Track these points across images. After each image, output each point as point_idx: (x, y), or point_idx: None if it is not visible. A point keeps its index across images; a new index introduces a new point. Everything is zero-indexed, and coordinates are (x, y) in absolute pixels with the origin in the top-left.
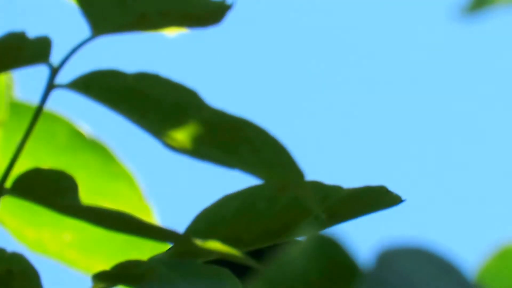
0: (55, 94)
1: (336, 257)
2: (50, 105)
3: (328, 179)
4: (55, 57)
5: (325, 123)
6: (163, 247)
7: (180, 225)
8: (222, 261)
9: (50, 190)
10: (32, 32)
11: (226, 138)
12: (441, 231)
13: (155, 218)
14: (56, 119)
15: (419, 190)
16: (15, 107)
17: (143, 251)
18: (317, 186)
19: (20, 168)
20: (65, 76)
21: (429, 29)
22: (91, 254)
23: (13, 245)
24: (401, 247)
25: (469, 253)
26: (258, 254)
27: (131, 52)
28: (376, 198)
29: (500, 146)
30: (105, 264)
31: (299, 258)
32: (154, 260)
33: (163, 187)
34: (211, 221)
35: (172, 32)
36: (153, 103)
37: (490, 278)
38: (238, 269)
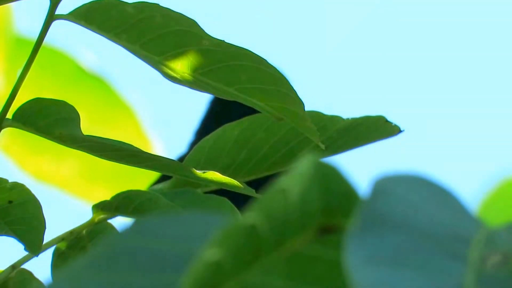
0: (56, 26)
1: (335, 185)
2: (52, 38)
3: (327, 109)
4: None
5: (326, 52)
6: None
7: (181, 156)
8: (221, 190)
9: (51, 121)
10: None
11: (225, 67)
12: (441, 163)
13: (154, 148)
14: (57, 52)
15: (419, 121)
16: (17, 41)
17: (144, 181)
18: (316, 116)
19: (23, 100)
20: (65, 7)
21: None
22: (92, 183)
23: (15, 176)
24: (397, 175)
25: (469, 186)
26: (257, 184)
27: None
28: (375, 128)
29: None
30: (106, 194)
31: (296, 186)
32: (154, 190)
33: (166, 117)
34: (210, 151)
35: None
36: (152, 33)
37: (489, 211)
38: (237, 198)
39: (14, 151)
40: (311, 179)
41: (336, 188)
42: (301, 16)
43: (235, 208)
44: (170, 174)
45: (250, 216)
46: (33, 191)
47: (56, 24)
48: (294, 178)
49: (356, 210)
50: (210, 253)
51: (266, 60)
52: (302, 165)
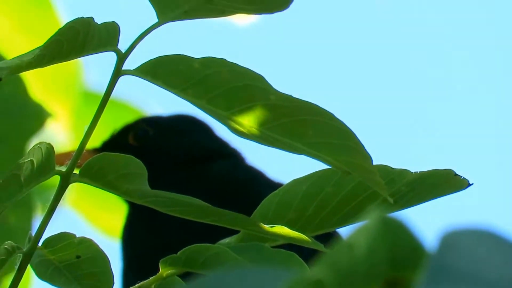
0: (123, 80)
1: (402, 240)
2: (119, 92)
3: (395, 163)
4: (122, 43)
5: (391, 108)
6: None
7: None
8: (289, 245)
9: (118, 175)
10: (100, 19)
11: (292, 122)
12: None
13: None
14: (124, 107)
15: (487, 175)
16: (85, 95)
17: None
18: (384, 170)
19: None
20: (132, 63)
21: None
22: None
23: (84, 231)
24: (464, 229)
25: None
26: (325, 238)
27: (197, 38)
28: (443, 182)
29: None
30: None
31: (364, 241)
32: (222, 245)
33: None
34: (278, 205)
35: (239, 20)
36: (219, 88)
37: None
38: (305, 253)
39: (82, 206)
40: (378, 234)
41: (403, 242)
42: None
43: (303, 263)
44: (238, 229)
45: (317, 271)
46: (101, 246)
47: (124, 78)
48: (361, 233)
49: (423, 264)
50: None
51: (332, 114)
52: (370, 220)
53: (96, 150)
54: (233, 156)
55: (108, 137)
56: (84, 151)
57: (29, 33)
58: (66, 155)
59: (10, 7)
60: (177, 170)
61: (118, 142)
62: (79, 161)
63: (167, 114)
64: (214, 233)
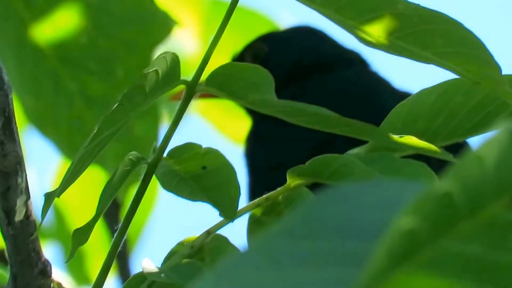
0: None
1: None
2: (249, 1)
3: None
4: None
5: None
6: None
7: None
8: (418, 155)
9: (244, 85)
10: None
11: (421, 31)
12: None
13: None
14: (253, 14)
15: None
16: (213, 2)
17: None
18: None
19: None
20: None
21: None
22: None
23: (213, 140)
24: None
25: None
26: (454, 149)
27: None
28: None
29: None
30: None
31: (493, 153)
32: (350, 155)
33: None
34: (407, 116)
35: None
36: None
37: None
38: (435, 163)
39: (210, 113)
40: (508, 146)
41: None
42: None
43: (433, 174)
44: (366, 139)
45: (446, 183)
46: (228, 156)
47: None
48: (490, 145)
49: None
50: (405, 221)
51: (462, 24)
52: (499, 132)
53: None
54: (357, 63)
55: (229, 61)
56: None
57: None
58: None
59: None
60: (296, 80)
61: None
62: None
63: (285, 28)
64: (340, 144)
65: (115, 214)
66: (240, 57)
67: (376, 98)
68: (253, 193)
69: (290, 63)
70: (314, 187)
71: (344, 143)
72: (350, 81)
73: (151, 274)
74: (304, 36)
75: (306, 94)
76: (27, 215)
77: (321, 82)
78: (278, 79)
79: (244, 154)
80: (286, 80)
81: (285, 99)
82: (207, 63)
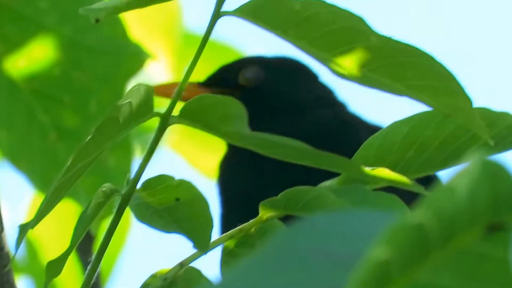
0: (222, 22)
1: (503, 183)
2: (218, 33)
3: (496, 106)
4: None
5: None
6: None
7: None
8: (391, 188)
9: (218, 117)
10: None
11: (393, 64)
12: None
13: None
14: (225, 48)
15: None
16: (185, 37)
17: None
18: (485, 113)
19: None
20: (232, 4)
21: None
22: None
23: (185, 173)
24: None
25: None
26: (425, 182)
27: None
28: None
29: None
30: None
31: (465, 184)
32: (323, 187)
33: None
34: (379, 148)
35: None
36: (320, 30)
37: None
38: (406, 196)
39: (182, 147)
40: (479, 177)
41: (505, 185)
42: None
43: (405, 206)
44: (338, 171)
45: (418, 214)
46: (201, 188)
47: (224, 20)
48: (462, 176)
49: None
50: (378, 252)
51: (433, 57)
52: (471, 163)
53: (201, 84)
54: (337, 105)
55: (216, 71)
56: (188, 83)
57: None
58: (171, 86)
59: None
60: (281, 116)
61: (228, 79)
62: (183, 93)
63: (276, 55)
64: (314, 176)
65: (88, 246)
66: (230, 72)
67: (353, 137)
68: (226, 225)
69: (284, 97)
70: (286, 219)
71: (319, 175)
72: (331, 119)
73: None
74: (297, 70)
75: (289, 129)
76: (1, 248)
77: (304, 118)
78: (267, 111)
79: (218, 183)
80: (276, 112)
81: (268, 131)
82: (180, 95)
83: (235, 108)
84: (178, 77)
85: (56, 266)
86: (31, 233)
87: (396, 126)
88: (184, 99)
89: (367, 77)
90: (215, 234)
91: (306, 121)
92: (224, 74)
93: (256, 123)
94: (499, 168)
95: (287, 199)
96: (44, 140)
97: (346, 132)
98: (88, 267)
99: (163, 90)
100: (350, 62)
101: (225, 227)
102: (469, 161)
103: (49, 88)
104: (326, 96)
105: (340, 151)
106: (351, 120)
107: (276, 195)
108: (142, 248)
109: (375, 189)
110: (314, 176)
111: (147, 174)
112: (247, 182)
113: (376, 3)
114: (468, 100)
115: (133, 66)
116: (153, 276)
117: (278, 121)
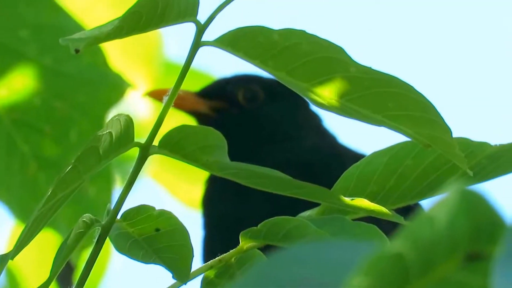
0: (202, 51)
1: (482, 213)
2: (199, 63)
3: (475, 136)
4: (202, 14)
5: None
6: None
7: None
8: (369, 219)
9: (198, 147)
10: None
11: (372, 94)
12: None
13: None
14: (204, 77)
15: None
16: (166, 66)
17: None
18: (464, 143)
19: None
20: (211, 34)
21: None
22: None
23: (166, 203)
24: None
25: None
26: (405, 211)
27: (276, 10)
28: None
29: None
30: None
31: (444, 214)
32: (302, 218)
33: None
34: (359, 178)
35: None
36: (299, 60)
37: None
38: (386, 225)
39: (162, 177)
40: (458, 207)
41: (483, 216)
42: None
43: (384, 236)
44: (318, 202)
45: (397, 244)
46: (182, 218)
47: (204, 50)
48: (441, 206)
49: (502, 238)
50: (357, 281)
51: (413, 87)
52: (450, 193)
53: (197, 94)
54: (327, 135)
55: (213, 83)
56: (186, 92)
57: (109, 4)
58: (163, 91)
59: None
60: (275, 140)
61: (225, 93)
62: (180, 102)
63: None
64: (295, 205)
65: (68, 276)
66: (230, 89)
67: (336, 166)
68: (207, 255)
69: (280, 122)
70: (266, 249)
71: (303, 203)
72: (322, 149)
73: None
74: (292, 96)
75: (274, 156)
76: None
77: (295, 146)
78: (263, 134)
79: (201, 212)
80: (270, 137)
81: (255, 158)
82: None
83: (215, 139)
84: (158, 108)
85: None
86: (12, 263)
87: (376, 156)
88: (180, 108)
89: (346, 107)
90: (197, 262)
91: (299, 148)
92: (221, 88)
93: (250, 145)
94: (478, 198)
95: (267, 229)
96: (25, 170)
97: (336, 163)
98: None
99: (158, 94)
100: (329, 92)
101: (206, 257)
102: (448, 191)
103: (30, 117)
104: (316, 124)
105: (328, 180)
106: (341, 151)
107: (260, 222)
108: (122, 278)
109: (355, 219)
110: (298, 203)
111: (127, 204)
112: (228, 211)
113: (360, 31)
114: (447, 130)
115: (114, 96)
116: None
117: (272, 145)
